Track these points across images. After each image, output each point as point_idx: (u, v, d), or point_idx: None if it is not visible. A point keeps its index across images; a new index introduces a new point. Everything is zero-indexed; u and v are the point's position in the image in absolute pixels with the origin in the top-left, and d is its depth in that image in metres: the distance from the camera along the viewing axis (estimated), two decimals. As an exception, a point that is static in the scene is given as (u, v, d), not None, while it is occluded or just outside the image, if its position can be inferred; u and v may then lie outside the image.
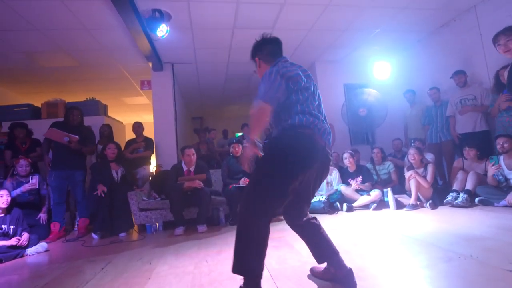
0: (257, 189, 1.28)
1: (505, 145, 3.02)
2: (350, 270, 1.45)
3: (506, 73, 2.12)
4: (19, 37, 3.85)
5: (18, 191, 3.19)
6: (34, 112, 4.88)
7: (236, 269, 1.25)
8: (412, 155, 3.55)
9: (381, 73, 5.17)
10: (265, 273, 1.31)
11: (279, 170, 1.28)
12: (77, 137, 3.33)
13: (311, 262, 1.64)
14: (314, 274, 1.63)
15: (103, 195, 3.25)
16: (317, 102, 1.48)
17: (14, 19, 3.42)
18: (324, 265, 1.56)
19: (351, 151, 4.00)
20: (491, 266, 1.52)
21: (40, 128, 3.67)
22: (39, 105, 4.96)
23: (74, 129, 3.46)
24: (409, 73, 5.26)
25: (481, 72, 3.96)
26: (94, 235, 3.20)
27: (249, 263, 1.25)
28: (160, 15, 3.49)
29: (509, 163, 3.07)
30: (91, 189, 3.41)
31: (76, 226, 3.64)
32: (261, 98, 1.34)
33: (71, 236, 3.33)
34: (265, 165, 1.32)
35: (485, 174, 3.34)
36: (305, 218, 1.51)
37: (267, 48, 1.59)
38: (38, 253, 2.72)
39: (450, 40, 4.46)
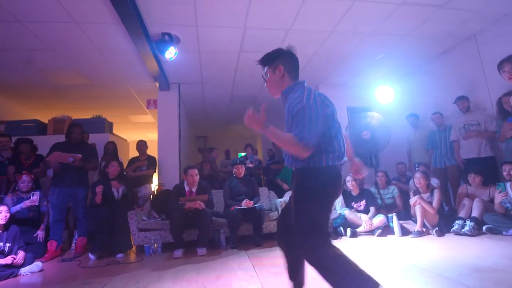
0: (312, 225, 1.27)
1: (511, 172, 2.98)
2: None
3: (511, 100, 2.13)
4: (33, 55, 3.99)
5: (18, 207, 3.17)
6: (41, 128, 4.95)
7: None
8: (418, 179, 3.50)
9: (384, 97, 5.23)
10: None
11: (324, 205, 1.32)
12: (80, 155, 3.34)
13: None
14: None
15: (100, 189, 3.22)
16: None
17: (29, 39, 3.56)
18: None
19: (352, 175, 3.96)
20: (504, 302, 1.44)
21: (45, 144, 3.70)
22: (46, 121, 5.04)
23: (76, 147, 3.47)
24: (412, 98, 5.31)
25: (484, 98, 3.98)
26: (91, 255, 3.13)
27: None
28: (170, 39, 3.62)
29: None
30: (91, 207, 3.38)
31: (73, 245, 3.57)
32: (303, 139, 1.23)
33: (67, 255, 3.26)
34: (313, 202, 1.30)
35: (490, 201, 3.27)
36: None
37: (295, 62, 1.50)
38: (32, 273, 2.65)
39: (451, 66, 4.54)
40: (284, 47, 1.51)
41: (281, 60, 1.47)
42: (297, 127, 1.27)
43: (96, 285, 2.18)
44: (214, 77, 5.11)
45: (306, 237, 1.26)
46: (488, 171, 3.53)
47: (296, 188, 1.38)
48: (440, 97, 4.67)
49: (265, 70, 1.52)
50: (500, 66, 2.07)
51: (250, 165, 5.35)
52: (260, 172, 6.16)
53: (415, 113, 4.86)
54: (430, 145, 4.49)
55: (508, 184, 3.09)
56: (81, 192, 3.44)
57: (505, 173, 3.07)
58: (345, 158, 1.43)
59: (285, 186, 4.51)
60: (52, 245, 3.26)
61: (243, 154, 6.52)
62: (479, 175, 3.40)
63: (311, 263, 1.26)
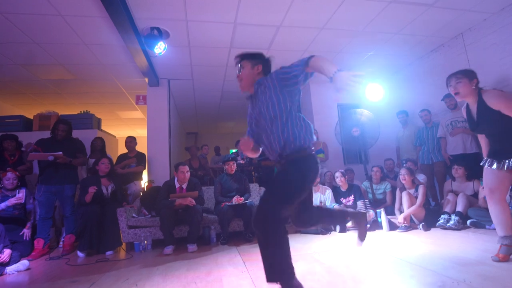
0: (283, 197, 1.38)
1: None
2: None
3: (464, 113, 2.24)
4: (17, 49, 3.87)
5: (3, 205, 3.09)
6: (26, 124, 4.82)
7: (272, 278, 1.32)
8: (403, 175, 3.57)
9: (373, 95, 5.29)
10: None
11: (304, 187, 1.46)
12: (61, 153, 3.25)
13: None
14: None
15: (93, 190, 3.19)
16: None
17: (12, 32, 3.44)
18: None
19: (342, 171, 4.02)
20: (485, 293, 1.50)
21: (30, 141, 3.61)
22: (32, 117, 4.91)
23: (61, 143, 3.40)
24: (401, 95, 5.40)
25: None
26: (79, 253, 3.08)
27: (286, 265, 1.33)
28: (159, 33, 3.56)
29: (484, 184, 3.10)
30: (79, 204, 3.32)
31: (61, 243, 3.50)
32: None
33: (55, 254, 3.20)
34: (296, 179, 1.43)
35: (474, 195, 3.39)
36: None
37: (270, 68, 1.75)
38: (18, 271, 2.60)
39: (439, 64, 4.62)
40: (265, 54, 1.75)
41: (261, 61, 1.71)
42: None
43: (84, 283, 2.15)
44: (204, 73, 5.06)
45: (275, 208, 1.34)
46: (474, 166, 3.63)
47: (292, 163, 1.49)
48: (428, 94, 4.76)
49: (241, 63, 1.71)
50: (448, 80, 2.17)
51: (242, 161, 5.35)
52: (251, 169, 6.17)
53: (404, 110, 4.94)
54: (418, 141, 4.58)
55: (492, 180, 3.18)
56: (68, 190, 3.37)
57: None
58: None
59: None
60: (39, 243, 3.20)
61: (234, 150, 6.51)
62: (461, 167, 3.50)
63: (264, 222, 1.33)
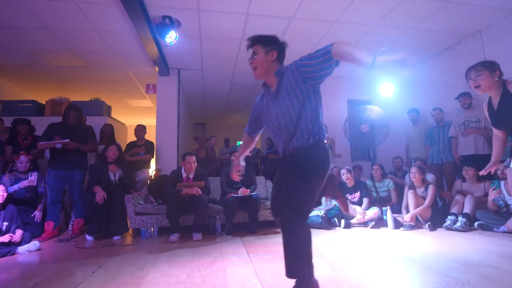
0: (304, 196, 1.35)
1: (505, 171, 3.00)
2: None
3: (485, 109, 2.13)
4: (30, 34, 3.92)
5: (16, 187, 3.18)
6: (38, 109, 4.91)
7: (291, 274, 1.34)
8: (413, 173, 3.53)
9: (385, 91, 5.20)
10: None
11: (319, 181, 1.40)
12: (67, 140, 3.28)
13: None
14: None
15: (101, 202, 3.20)
16: None
17: (26, 17, 3.48)
18: None
19: (348, 167, 4.00)
20: (489, 295, 1.49)
21: (43, 125, 3.68)
22: (44, 102, 5.00)
23: (71, 129, 3.45)
24: (413, 93, 5.29)
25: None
26: (88, 237, 3.17)
27: (307, 266, 1.34)
28: (170, 22, 3.55)
29: (510, 188, 3.04)
30: (88, 189, 3.39)
31: (70, 226, 3.61)
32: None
33: (64, 236, 3.30)
34: (310, 175, 1.38)
35: (484, 196, 3.32)
36: None
37: (284, 53, 1.57)
38: (29, 251, 2.69)
39: (454, 62, 4.50)
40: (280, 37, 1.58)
41: (276, 46, 1.52)
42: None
43: (92, 265, 2.22)
44: (214, 64, 5.05)
45: (295, 208, 1.33)
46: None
47: (303, 164, 1.41)
48: (441, 93, 4.65)
49: (255, 48, 1.52)
50: (467, 74, 2.05)
51: (249, 154, 5.36)
52: (258, 161, 6.18)
53: (416, 108, 4.85)
54: (428, 140, 4.50)
55: (502, 183, 3.12)
56: (77, 175, 3.44)
57: (499, 172, 3.10)
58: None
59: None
60: (49, 225, 3.30)
61: (241, 142, 6.52)
62: (472, 168, 3.43)
63: (290, 230, 1.34)
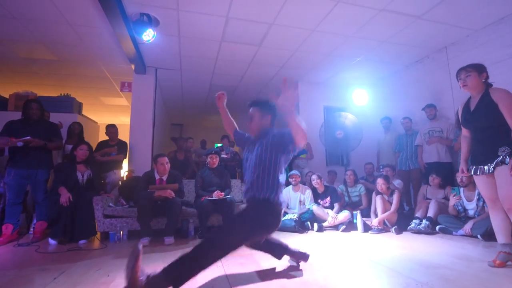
0: (236, 239, 1.60)
1: (464, 179, 3.23)
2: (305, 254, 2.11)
3: (460, 110, 2.30)
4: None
5: (-30, 187, 2.94)
6: (0, 103, 4.58)
7: (169, 277, 1.43)
8: (380, 185, 3.68)
9: (359, 99, 5.42)
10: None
11: (253, 233, 1.67)
12: (28, 137, 3.06)
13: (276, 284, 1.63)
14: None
15: (66, 204, 3.02)
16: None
17: (-10, 5, 3.25)
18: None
19: (318, 174, 4.11)
20: (444, 295, 1.59)
21: (4, 121, 3.43)
22: (7, 96, 4.67)
23: (34, 125, 3.22)
24: (385, 102, 5.56)
25: (448, 107, 4.26)
26: (51, 240, 2.98)
27: (185, 280, 1.46)
28: (148, 20, 3.47)
29: (468, 195, 3.27)
30: (53, 190, 3.20)
31: (31, 229, 3.38)
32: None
33: (24, 240, 3.08)
34: (250, 226, 1.63)
35: (445, 198, 3.56)
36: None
37: (277, 117, 1.90)
38: (-17, 257, 2.49)
39: (423, 75, 4.79)
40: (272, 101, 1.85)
41: (272, 112, 1.88)
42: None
43: (54, 271, 2.09)
44: (193, 65, 4.99)
45: (224, 246, 1.55)
46: (446, 175, 3.81)
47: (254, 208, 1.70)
48: (411, 103, 4.93)
49: (253, 109, 1.88)
50: (458, 73, 2.23)
51: (226, 156, 5.34)
52: (235, 164, 6.16)
53: (388, 116, 5.09)
54: (397, 147, 4.74)
55: (461, 189, 3.35)
56: (41, 175, 3.22)
57: (458, 179, 3.33)
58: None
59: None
60: (7, 228, 3.07)
61: (219, 144, 6.48)
62: (439, 177, 3.67)
63: (206, 247, 1.53)
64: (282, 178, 1.74)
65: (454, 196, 3.36)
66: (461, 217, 3.30)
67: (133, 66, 4.84)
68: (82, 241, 3.01)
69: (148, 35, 3.53)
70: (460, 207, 3.30)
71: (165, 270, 1.43)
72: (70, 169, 3.29)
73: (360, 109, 5.50)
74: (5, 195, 3.24)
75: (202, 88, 6.27)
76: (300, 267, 2.12)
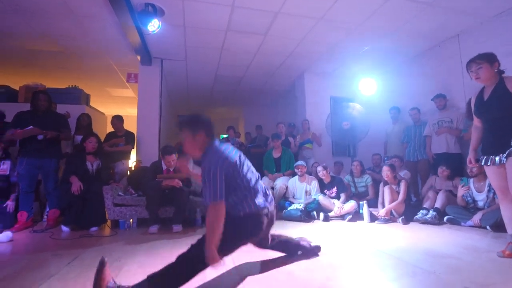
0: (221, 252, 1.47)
1: (474, 170, 3.18)
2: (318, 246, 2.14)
3: (473, 99, 2.25)
4: (1, 16, 3.69)
5: (-15, 176, 3.03)
6: (11, 95, 4.67)
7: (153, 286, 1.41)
8: (385, 172, 3.67)
9: (366, 89, 5.34)
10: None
11: (234, 243, 1.58)
12: (31, 127, 3.13)
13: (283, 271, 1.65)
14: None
15: (78, 192, 3.11)
16: (252, 175, 1.68)
17: (-2, -3, 3.28)
18: None
19: (324, 164, 4.10)
20: (451, 284, 1.59)
21: (14, 112, 3.49)
22: (17, 88, 4.75)
23: (44, 116, 3.28)
24: (393, 92, 5.46)
25: (459, 97, 4.17)
26: (64, 227, 3.09)
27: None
28: (153, 10, 3.46)
29: (478, 186, 3.23)
30: (64, 180, 3.28)
31: (45, 217, 3.49)
32: (213, 199, 1.47)
33: (39, 227, 3.19)
34: (227, 239, 1.50)
35: (453, 189, 3.52)
36: (270, 243, 1.89)
37: (212, 127, 1.71)
38: (1, 242, 2.59)
39: (433, 64, 4.68)
40: (200, 115, 1.74)
41: (202, 127, 1.65)
42: (208, 192, 1.49)
43: (67, 256, 2.17)
44: (198, 55, 4.97)
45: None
46: (455, 166, 3.76)
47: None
48: (420, 93, 4.84)
49: (184, 132, 1.66)
50: (468, 65, 2.16)
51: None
52: (241, 155, 6.18)
53: (397, 106, 5.01)
54: (405, 138, 4.68)
55: (471, 180, 3.31)
56: (51, 164, 3.30)
57: (468, 170, 3.28)
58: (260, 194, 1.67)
59: (270, 176, 4.55)
60: (22, 216, 3.17)
61: (224, 136, 6.50)
62: (448, 169, 3.63)
63: (194, 261, 1.46)
64: (243, 189, 1.59)
65: (462, 186, 3.33)
66: (470, 208, 3.27)
67: (138, 57, 4.85)
68: (93, 228, 3.10)
69: (154, 25, 3.52)
70: (469, 198, 3.27)
71: (150, 277, 1.42)
72: (80, 160, 3.36)
73: (367, 99, 5.43)
74: (19, 184, 3.34)
75: (208, 79, 6.25)
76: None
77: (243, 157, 1.70)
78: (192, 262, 1.46)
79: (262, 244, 1.86)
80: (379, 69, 5.56)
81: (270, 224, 1.73)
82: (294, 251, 2.05)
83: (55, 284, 1.65)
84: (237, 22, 3.87)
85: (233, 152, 1.64)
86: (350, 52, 4.85)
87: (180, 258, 1.46)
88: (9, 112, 3.85)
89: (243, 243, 1.63)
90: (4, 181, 3.27)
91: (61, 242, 2.66)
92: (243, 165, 1.64)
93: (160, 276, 1.41)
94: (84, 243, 2.58)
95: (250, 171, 1.68)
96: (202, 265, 1.44)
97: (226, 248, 1.52)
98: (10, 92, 4.69)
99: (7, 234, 2.68)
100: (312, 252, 2.10)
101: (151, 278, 1.41)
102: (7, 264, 2.01)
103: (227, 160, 1.56)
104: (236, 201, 1.58)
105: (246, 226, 1.59)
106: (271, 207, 1.70)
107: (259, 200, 1.63)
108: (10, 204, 3.22)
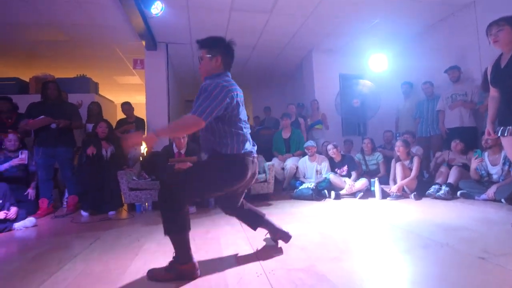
0: (196, 182, 1.50)
1: (489, 141, 3.10)
2: (284, 231, 1.83)
3: (490, 68, 2.15)
4: (4, 5, 3.68)
5: (6, 165, 3.15)
6: (22, 87, 4.74)
7: (166, 231, 1.46)
8: (398, 147, 3.62)
9: (377, 65, 5.18)
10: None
11: (217, 182, 1.52)
12: (42, 117, 3.21)
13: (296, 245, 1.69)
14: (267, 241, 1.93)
15: (94, 152, 3.27)
16: (246, 123, 1.62)
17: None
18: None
19: (334, 143, 4.07)
20: (464, 254, 1.60)
21: (27, 104, 3.57)
22: (27, 79, 4.81)
23: (55, 105, 3.36)
24: (405, 66, 5.29)
25: (474, 69, 4.01)
26: (83, 212, 3.22)
27: (176, 225, 1.46)
28: (156, -8, 3.39)
29: (493, 159, 3.17)
30: (80, 167, 3.39)
31: (64, 203, 3.63)
32: (196, 113, 1.39)
33: (59, 213, 3.33)
34: (211, 172, 1.51)
35: (465, 164, 3.46)
36: (239, 208, 1.79)
37: (232, 57, 1.63)
38: (26, 227, 2.73)
39: (447, 34, 4.47)
40: (226, 39, 1.62)
41: (221, 51, 1.58)
42: (198, 104, 1.41)
43: (89, 238, 2.28)
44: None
45: (185, 188, 1.47)
46: (469, 140, 3.68)
47: (206, 160, 1.61)
48: (433, 66, 4.66)
49: (202, 52, 1.59)
50: (489, 29, 2.05)
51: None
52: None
53: (409, 81, 4.86)
54: (417, 114, 4.57)
55: (485, 153, 3.24)
56: (65, 152, 3.41)
57: (483, 142, 3.20)
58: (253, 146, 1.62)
59: (280, 157, 4.56)
60: (43, 203, 3.31)
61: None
62: (462, 143, 3.55)
63: (165, 200, 1.47)
64: (238, 128, 1.52)
65: (476, 159, 3.26)
66: (484, 181, 3.22)
67: (143, 43, 4.81)
68: (111, 212, 3.22)
69: (157, 8, 3.47)
70: (483, 171, 3.22)
71: (165, 234, 1.47)
72: (96, 143, 3.44)
73: (378, 75, 5.27)
74: (37, 172, 3.46)
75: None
76: (318, 232, 2.18)
77: (242, 102, 1.62)
78: (172, 190, 1.46)
79: (231, 203, 1.75)
80: (389, 43, 5.36)
81: (252, 178, 1.63)
82: (256, 225, 1.84)
83: (80, 263, 1.74)
84: (241, 0, 3.75)
85: (239, 92, 1.57)
86: (359, 26, 4.67)
87: (162, 197, 1.48)
88: (21, 103, 3.93)
89: (226, 186, 1.54)
90: (23, 170, 3.39)
91: (82, 226, 2.78)
92: (242, 108, 1.58)
93: (165, 225, 1.45)
94: (103, 226, 2.70)
95: (245, 116, 1.62)
96: (182, 187, 1.46)
97: (209, 188, 1.52)
98: (21, 84, 4.77)
99: (31, 220, 2.81)
100: (282, 234, 1.82)
101: (165, 233, 1.46)
102: (35, 246, 2.13)
103: (234, 92, 1.49)
104: (227, 138, 1.50)
105: (232, 167, 1.52)
106: (256, 161, 1.63)
107: (248, 145, 1.58)
108: (31, 191, 3.35)
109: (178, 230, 1.46)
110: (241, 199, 1.77)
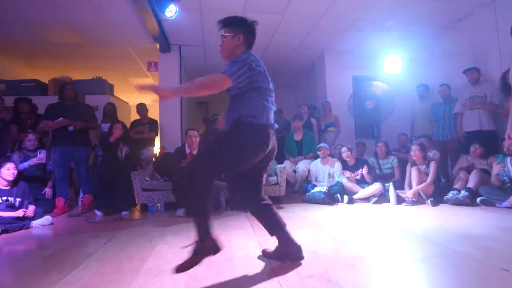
0: (218, 152, 1.48)
1: (511, 148, 2.98)
2: (299, 246, 1.63)
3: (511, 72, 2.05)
4: (24, 7, 3.80)
5: (25, 164, 3.26)
6: (41, 88, 4.90)
7: (189, 213, 1.46)
8: (414, 151, 3.52)
9: (391, 67, 5.07)
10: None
11: (240, 151, 1.48)
12: (61, 119, 3.32)
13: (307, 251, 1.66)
14: (265, 255, 1.75)
15: (119, 135, 3.40)
16: (272, 98, 1.62)
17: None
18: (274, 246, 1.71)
19: (348, 146, 4.00)
20: (486, 264, 1.53)
21: (46, 105, 3.68)
22: (46, 81, 4.97)
23: (72, 107, 3.48)
24: (420, 68, 5.15)
25: (494, 70, 3.86)
26: (97, 212, 3.28)
27: (200, 208, 1.52)
28: (170, -5, 3.43)
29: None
30: (95, 167, 3.47)
31: (79, 202, 3.72)
32: (227, 73, 1.42)
33: (74, 212, 3.41)
34: (234, 141, 1.47)
35: (487, 169, 3.32)
36: (261, 202, 1.67)
37: (253, 36, 1.62)
38: (43, 225, 2.81)
39: (465, 35, 4.33)
40: (246, 19, 1.61)
41: (243, 30, 1.58)
42: (228, 67, 1.45)
43: (104, 237, 2.31)
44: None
45: (206, 166, 1.45)
46: (489, 144, 3.54)
47: (229, 130, 1.54)
48: (450, 67, 4.52)
49: (224, 31, 1.59)
50: None
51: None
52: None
53: (425, 83, 4.73)
54: (433, 116, 4.44)
55: (508, 158, 3.11)
56: (81, 152, 3.52)
57: (505, 148, 3.07)
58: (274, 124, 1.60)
59: (291, 160, 4.53)
60: (60, 201, 3.41)
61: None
62: (481, 147, 3.42)
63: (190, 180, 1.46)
64: (265, 99, 1.52)
65: (498, 164, 3.13)
66: (506, 188, 3.08)
67: (157, 45, 4.89)
68: (124, 212, 3.27)
69: (171, 11, 3.51)
70: (505, 177, 3.09)
71: (186, 213, 1.49)
72: (113, 144, 3.52)
73: (392, 77, 5.16)
74: (55, 172, 3.56)
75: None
76: (331, 237, 2.14)
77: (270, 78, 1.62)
78: (198, 174, 1.45)
79: (251, 189, 1.63)
80: (404, 44, 5.24)
81: (271, 154, 1.60)
82: (273, 230, 1.67)
83: (94, 263, 1.76)
84: (253, 1, 3.76)
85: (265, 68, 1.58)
86: (373, 27, 4.59)
87: (188, 181, 1.46)
88: (40, 104, 4.06)
89: (248, 155, 1.48)
90: (42, 169, 3.50)
91: (96, 225, 2.84)
92: (270, 81, 1.60)
93: (189, 206, 1.50)
94: (117, 226, 2.74)
95: (272, 90, 1.61)
96: (208, 171, 1.45)
97: (232, 158, 1.47)
98: (40, 85, 4.93)
99: (47, 218, 2.89)
100: (294, 249, 1.63)
101: (187, 212, 1.50)
102: (52, 244, 2.19)
103: (260, 67, 1.52)
104: (258, 109, 1.49)
105: (255, 136, 1.49)
106: (274, 137, 1.61)
107: (272, 118, 1.59)
108: (48, 190, 3.46)
109: (203, 213, 1.50)
110: (262, 187, 1.67)
